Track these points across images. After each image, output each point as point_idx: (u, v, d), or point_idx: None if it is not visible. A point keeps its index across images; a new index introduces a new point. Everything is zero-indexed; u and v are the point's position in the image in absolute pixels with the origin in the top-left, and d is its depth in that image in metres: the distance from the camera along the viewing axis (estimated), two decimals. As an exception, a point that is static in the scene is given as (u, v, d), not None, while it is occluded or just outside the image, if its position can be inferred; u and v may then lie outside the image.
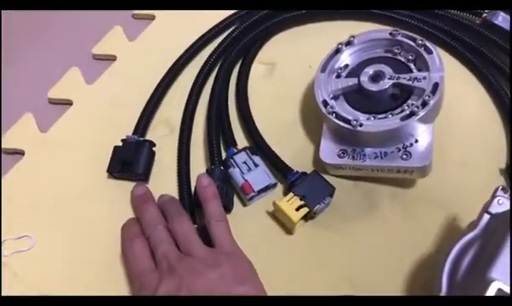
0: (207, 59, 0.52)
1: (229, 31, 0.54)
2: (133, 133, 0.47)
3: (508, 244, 0.31)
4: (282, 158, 0.46)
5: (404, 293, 0.41)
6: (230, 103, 0.51)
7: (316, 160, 0.46)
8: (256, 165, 0.45)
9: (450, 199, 0.44)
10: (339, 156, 0.44)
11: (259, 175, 0.44)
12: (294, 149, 0.48)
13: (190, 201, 0.44)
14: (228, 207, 0.44)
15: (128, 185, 0.46)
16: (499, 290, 0.29)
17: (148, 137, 0.49)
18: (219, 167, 0.45)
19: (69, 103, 0.52)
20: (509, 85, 0.48)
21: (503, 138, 0.47)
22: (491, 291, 0.29)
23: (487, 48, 0.50)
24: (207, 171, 0.45)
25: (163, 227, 0.41)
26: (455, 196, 0.44)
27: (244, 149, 0.46)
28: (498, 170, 0.46)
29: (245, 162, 0.45)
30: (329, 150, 0.44)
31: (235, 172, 0.44)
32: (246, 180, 0.44)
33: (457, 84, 0.49)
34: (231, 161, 0.45)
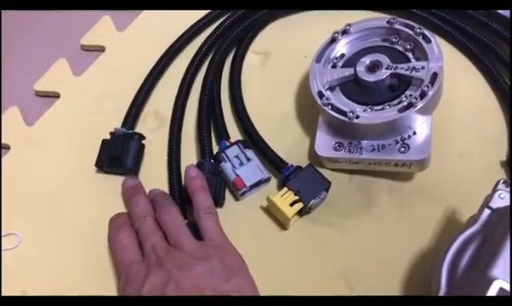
0: (199, 49, 0.51)
1: (221, 20, 0.52)
2: (122, 126, 0.46)
3: (508, 240, 0.30)
4: (277, 151, 0.45)
5: (401, 289, 0.40)
6: (223, 94, 0.49)
7: (312, 153, 0.44)
8: (248, 159, 0.44)
9: (449, 192, 0.43)
10: (335, 149, 0.42)
11: (252, 170, 0.43)
12: (289, 141, 0.47)
13: (180, 195, 0.43)
14: (218, 201, 0.43)
15: (117, 179, 0.45)
16: (501, 289, 0.27)
17: (138, 129, 0.47)
18: (208, 160, 0.43)
19: (56, 95, 0.51)
20: (509, 75, 0.47)
21: (503, 130, 0.46)
22: (492, 290, 0.27)
23: (487, 37, 0.48)
24: (197, 164, 0.44)
25: (153, 219, 0.40)
26: (454, 189, 0.43)
27: (236, 142, 0.45)
28: (499, 162, 0.44)
29: (237, 156, 0.43)
30: (325, 143, 0.43)
31: (226, 166, 0.43)
32: (237, 175, 0.42)
33: (456, 74, 0.48)
34: (223, 155, 0.43)
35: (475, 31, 0.49)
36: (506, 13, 0.48)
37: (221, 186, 0.43)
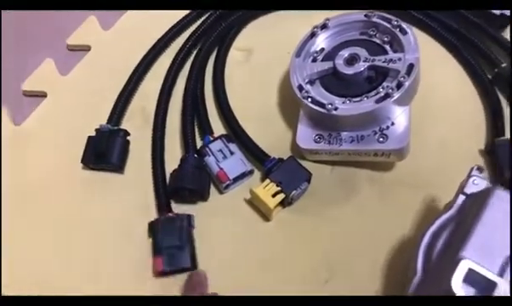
0: (182, 46, 0.51)
1: (204, 18, 0.53)
2: (107, 123, 0.46)
3: (480, 223, 0.31)
4: (260, 145, 0.46)
5: (383, 276, 0.41)
6: (207, 91, 0.50)
7: (294, 146, 0.45)
8: (232, 153, 0.44)
9: (429, 181, 0.44)
10: (316, 141, 0.43)
11: (235, 163, 0.44)
12: (272, 135, 0.47)
13: (164, 190, 0.44)
14: (203, 195, 0.43)
15: (104, 175, 0.46)
16: (469, 269, 0.28)
17: (124, 126, 0.48)
18: (192, 155, 0.44)
19: (43, 95, 0.52)
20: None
21: (482, 119, 0.47)
22: (460, 270, 0.28)
23: (466, 28, 0.49)
24: (181, 159, 0.44)
25: None
26: (434, 178, 0.44)
27: (220, 137, 0.45)
28: (478, 151, 0.45)
29: (220, 150, 0.44)
30: (306, 136, 0.44)
31: (210, 160, 0.44)
32: (221, 168, 0.43)
33: (435, 65, 0.49)
34: (207, 149, 0.44)
35: (454, 22, 0.50)
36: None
37: (205, 180, 0.44)
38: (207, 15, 0.53)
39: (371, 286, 0.40)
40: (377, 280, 0.40)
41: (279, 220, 0.43)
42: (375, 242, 0.42)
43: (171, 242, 0.41)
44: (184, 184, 0.42)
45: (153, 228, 0.42)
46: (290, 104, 0.47)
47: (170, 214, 0.42)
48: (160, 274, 0.41)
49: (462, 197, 0.36)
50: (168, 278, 0.41)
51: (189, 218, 0.42)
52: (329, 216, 0.43)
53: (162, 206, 0.43)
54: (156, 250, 0.41)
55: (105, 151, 0.44)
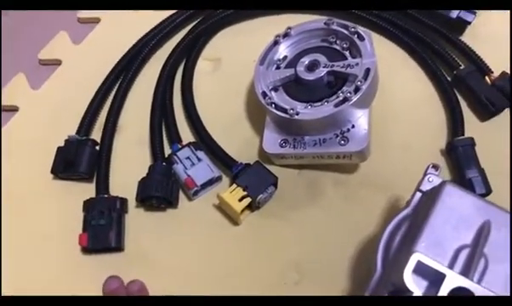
0: (144, 56, 0.53)
1: (170, 28, 0.54)
2: (76, 133, 0.47)
3: (431, 218, 0.32)
4: (229, 151, 0.47)
5: (350, 275, 0.42)
6: (176, 100, 0.51)
7: (261, 151, 0.46)
8: (199, 159, 0.45)
9: (392, 181, 0.45)
10: (281, 146, 0.44)
11: (202, 169, 0.45)
12: (240, 142, 0.49)
13: (105, 178, 0.46)
14: (171, 202, 0.44)
15: (74, 185, 0.47)
16: (419, 262, 0.29)
17: (95, 137, 0.49)
18: (160, 163, 0.45)
19: (14, 109, 0.52)
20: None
21: (442, 119, 0.48)
22: (411, 263, 0.29)
23: (424, 32, 0.51)
24: (149, 167, 0.45)
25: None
26: (397, 179, 0.45)
27: (188, 144, 0.46)
28: (439, 151, 0.47)
29: (188, 158, 0.45)
30: (272, 141, 0.45)
31: (178, 168, 0.45)
32: (188, 175, 0.44)
33: (396, 68, 0.51)
34: (175, 157, 0.45)
35: (413, 26, 0.51)
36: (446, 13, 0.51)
37: (173, 187, 0.44)
38: (172, 22, 0.54)
39: (340, 286, 0.41)
40: (345, 279, 0.41)
41: (248, 224, 0.44)
42: (341, 242, 0.43)
43: (98, 221, 0.43)
44: (151, 193, 0.43)
45: (86, 206, 0.44)
46: (257, 111, 0.49)
47: (105, 195, 0.44)
48: (85, 250, 0.43)
49: (418, 194, 0.37)
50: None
51: (122, 200, 0.44)
52: (297, 218, 0.44)
53: (100, 188, 0.45)
54: (84, 227, 0.43)
55: (73, 160, 0.45)
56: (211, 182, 0.45)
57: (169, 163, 0.45)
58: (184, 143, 0.47)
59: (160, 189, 0.43)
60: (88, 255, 0.44)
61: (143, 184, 0.44)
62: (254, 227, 0.44)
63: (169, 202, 0.44)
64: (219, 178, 0.46)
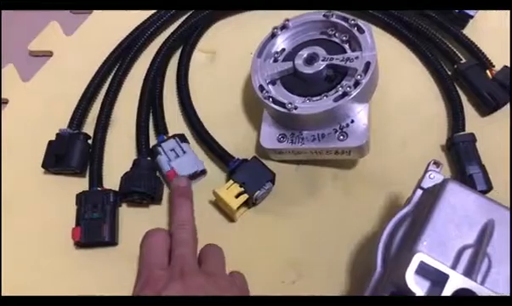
0: (139, 48, 0.51)
1: (165, 18, 0.53)
2: (68, 127, 0.46)
3: (434, 217, 0.31)
4: (225, 146, 0.46)
5: (348, 272, 0.41)
6: (170, 93, 0.50)
7: (258, 146, 0.45)
8: (184, 152, 0.44)
9: (392, 178, 0.44)
10: (279, 141, 0.43)
11: (186, 162, 0.44)
12: (237, 136, 0.47)
13: (98, 172, 0.45)
14: (154, 198, 0.43)
15: (66, 180, 0.46)
16: (421, 262, 0.29)
17: (88, 131, 0.47)
18: (144, 158, 0.44)
19: (4, 101, 0.51)
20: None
21: (442, 115, 0.48)
22: (414, 263, 0.29)
23: (425, 26, 0.50)
24: (134, 161, 0.44)
25: (191, 229, 0.39)
26: (397, 175, 0.44)
27: (173, 136, 0.45)
28: (439, 146, 0.46)
29: (173, 150, 0.44)
30: (269, 136, 0.44)
31: (162, 159, 0.44)
32: (172, 167, 0.43)
33: (396, 63, 0.50)
34: (159, 148, 0.44)
35: (413, 20, 0.50)
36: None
37: (157, 183, 0.43)
38: (168, 15, 0.53)
39: (339, 284, 0.40)
40: (344, 277, 0.41)
41: (244, 220, 0.43)
42: (340, 239, 0.42)
43: (91, 215, 0.42)
44: (133, 188, 0.42)
45: (79, 199, 0.43)
46: (254, 105, 0.48)
47: (98, 188, 0.43)
48: (78, 244, 0.42)
49: (419, 192, 0.36)
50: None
51: (115, 194, 0.43)
52: (295, 215, 0.43)
53: (94, 181, 0.44)
54: (77, 220, 0.42)
55: (64, 154, 0.44)
56: (195, 175, 0.44)
57: (154, 154, 0.44)
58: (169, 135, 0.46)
59: (143, 185, 0.42)
60: (83, 250, 0.43)
61: (125, 179, 0.43)
62: (251, 224, 0.43)
63: (152, 198, 0.42)
64: (203, 172, 0.45)
